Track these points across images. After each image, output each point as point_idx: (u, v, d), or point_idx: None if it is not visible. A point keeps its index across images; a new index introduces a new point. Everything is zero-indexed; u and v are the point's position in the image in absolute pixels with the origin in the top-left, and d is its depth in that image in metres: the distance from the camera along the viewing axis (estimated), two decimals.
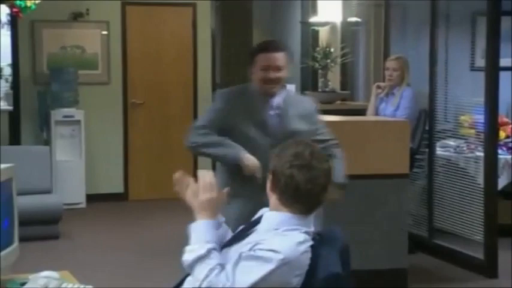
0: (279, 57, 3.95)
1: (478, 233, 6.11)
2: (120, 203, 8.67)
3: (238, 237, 2.85)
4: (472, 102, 6.55)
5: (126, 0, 8.93)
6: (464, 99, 6.77)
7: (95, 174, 8.76)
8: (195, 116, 9.00)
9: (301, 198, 2.67)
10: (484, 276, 5.96)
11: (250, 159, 3.92)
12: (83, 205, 8.48)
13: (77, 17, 8.79)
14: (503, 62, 7.69)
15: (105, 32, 8.91)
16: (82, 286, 2.86)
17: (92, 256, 6.36)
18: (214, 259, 2.68)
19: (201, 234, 2.73)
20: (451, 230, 6.56)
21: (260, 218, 2.84)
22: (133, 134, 9.08)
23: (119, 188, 8.96)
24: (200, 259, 2.67)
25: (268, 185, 2.73)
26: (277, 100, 4.03)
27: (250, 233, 2.82)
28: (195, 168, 8.71)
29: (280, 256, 2.61)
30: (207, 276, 2.63)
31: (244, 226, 2.93)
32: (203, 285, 2.64)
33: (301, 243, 2.69)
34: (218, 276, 2.62)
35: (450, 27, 7.39)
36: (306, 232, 2.72)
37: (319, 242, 2.78)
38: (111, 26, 8.94)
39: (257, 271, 2.60)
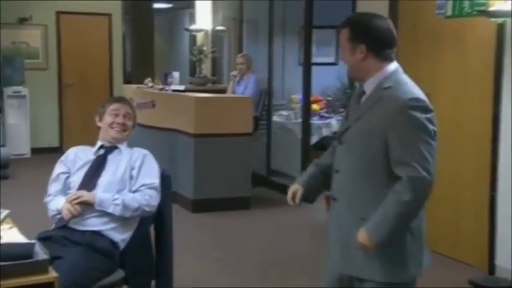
0: (341, 33, 2.11)
1: (298, 171, 6.17)
2: (56, 154, 8.43)
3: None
4: (298, 86, 6.58)
5: (59, 10, 8.62)
6: (294, 83, 6.92)
7: (37, 133, 8.47)
8: (111, 93, 8.90)
9: None
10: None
11: (291, 190, 2.28)
12: (28, 155, 8.24)
13: (23, 21, 8.43)
14: (327, 59, 8.03)
15: (44, 32, 8.59)
16: None
17: (32, 191, 6.18)
18: (125, 195, 2.68)
19: (107, 199, 2.63)
20: (281, 170, 6.70)
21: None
22: (65, 105, 8.81)
23: (55, 143, 8.72)
24: (124, 204, 2.62)
25: None
26: (366, 87, 2.10)
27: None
28: None
29: None
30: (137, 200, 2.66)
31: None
32: (144, 202, 2.65)
33: None
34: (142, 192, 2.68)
35: (285, 35, 7.58)
36: None
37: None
38: (49, 28, 8.61)
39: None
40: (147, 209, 2.65)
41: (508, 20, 3.71)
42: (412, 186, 1.92)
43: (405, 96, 1.98)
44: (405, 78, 2.08)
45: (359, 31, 2.06)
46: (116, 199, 2.62)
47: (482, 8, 3.81)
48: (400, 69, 2.09)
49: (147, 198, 2.63)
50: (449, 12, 4.27)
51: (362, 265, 2.06)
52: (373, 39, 2.05)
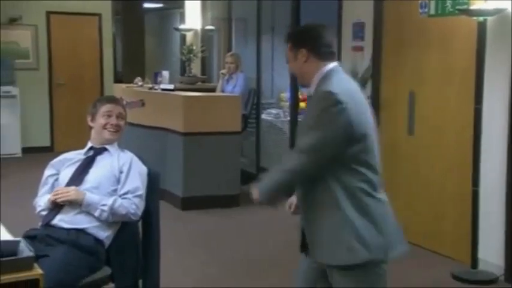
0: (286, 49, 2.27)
1: None
2: (47, 153, 8.45)
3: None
4: (287, 84, 6.57)
5: (49, 10, 8.58)
6: (283, 82, 6.94)
7: (28, 133, 8.44)
8: (102, 93, 8.89)
9: None
10: None
11: (287, 203, 2.46)
12: (19, 155, 8.22)
13: (13, 21, 8.38)
14: None
15: (34, 33, 8.56)
16: None
17: (23, 190, 6.18)
18: (115, 201, 2.66)
19: (94, 202, 2.63)
20: (270, 168, 6.74)
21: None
22: (56, 105, 8.79)
23: (46, 142, 8.67)
24: (111, 208, 2.61)
25: None
26: (311, 89, 2.21)
27: None
28: None
29: None
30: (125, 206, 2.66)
31: None
32: (132, 211, 2.65)
33: None
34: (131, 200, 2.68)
35: (274, 34, 7.60)
36: None
37: None
38: (39, 28, 8.57)
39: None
40: (132, 217, 2.67)
41: (489, 18, 3.76)
42: (293, 161, 2.11)
43: (322, 91, 2.07)
44: (336, 76, 2.13)
45: (297, 38, 2.20)
46: (104, 205, 2.61)
47: (464, 7, 3.86)
48: (338, 68, 2.16)
49: (134, 207, 2.64)
50: (432, 11, 4.32)
51: (318, 250, 2.17)
52: (310, 41, 2.16)
